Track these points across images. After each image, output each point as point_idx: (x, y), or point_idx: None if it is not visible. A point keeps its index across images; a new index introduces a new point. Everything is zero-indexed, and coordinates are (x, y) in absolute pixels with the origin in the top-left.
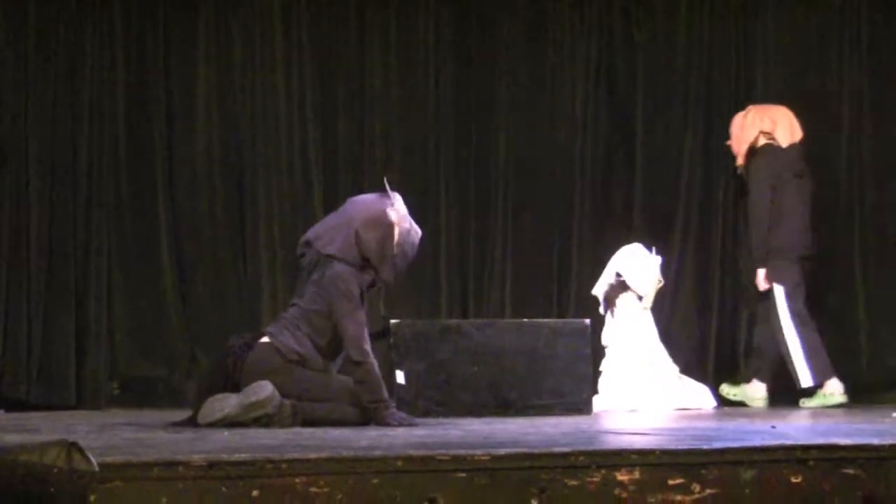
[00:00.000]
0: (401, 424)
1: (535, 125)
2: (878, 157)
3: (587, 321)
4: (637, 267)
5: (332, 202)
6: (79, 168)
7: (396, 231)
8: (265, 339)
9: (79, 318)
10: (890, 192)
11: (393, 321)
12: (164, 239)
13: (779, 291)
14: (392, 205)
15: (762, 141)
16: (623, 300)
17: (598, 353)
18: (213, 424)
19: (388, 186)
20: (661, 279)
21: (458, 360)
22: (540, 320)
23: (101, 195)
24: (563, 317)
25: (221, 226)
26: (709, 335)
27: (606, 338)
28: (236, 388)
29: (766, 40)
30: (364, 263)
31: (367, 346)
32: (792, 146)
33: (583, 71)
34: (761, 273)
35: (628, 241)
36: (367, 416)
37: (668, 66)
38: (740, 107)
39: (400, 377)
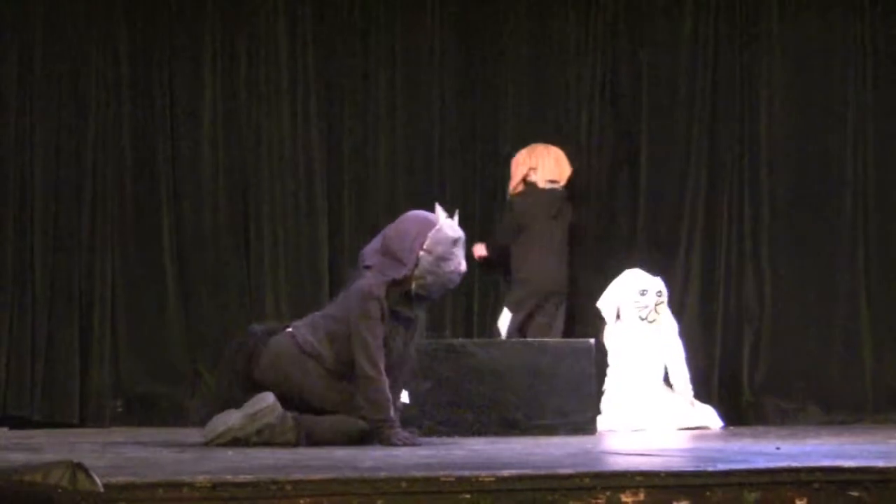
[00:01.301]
0: (405, 444)
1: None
2: (883, 169)
3: (591, 341)
4: (608, 291)
5: (336, 220)
6: (84, 186)
7: (430, 236)
8: (288, 330)
9: (82, 336)
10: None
11: None
12: (167, 257)
13: (504, 317)
14: (436, 220)
15: (531, 178)
16: (620, 321)
17: (602, 372)
18: (218, 439)
19: (439, 209)
20: (658, 299)
21: (463, 379)
22: (544, 340)
23: (104, 214)
24: (568, 336)
25: (225, 244)
26: (713, 354)
27: (612, 360)
28: (252, 373)
29: (771, 57)
30: (390, 262)
31: (381, 364)
32: (549, 189)
33: (587, 89)
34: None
35: (632, 259)
36: (370, 432)
37: (672, 83)
38: (745, 124)
39: (405, 396)
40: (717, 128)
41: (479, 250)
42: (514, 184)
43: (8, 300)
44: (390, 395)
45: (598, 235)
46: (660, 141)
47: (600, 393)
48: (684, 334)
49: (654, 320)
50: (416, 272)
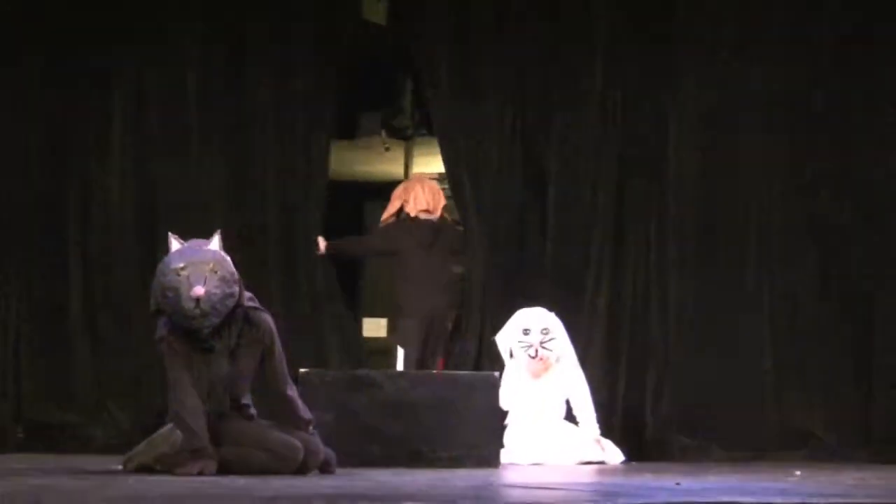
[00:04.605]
0: (186, 475)
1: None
2: (785, 209)
3: (496, 374)
4: (502, 330)
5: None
6: None
7: (158, 267)
8: None
9: None
10: None
11: (302, 370)
12: (73, 283)
13: (399, 355)
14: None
15: (405, 209)
16: (516, 360)
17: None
18: (128, 464)
19: (170, 237)
20: (544, 336)
21: (370, 410)
22: (450, 372)
23: (9, 239)
24: (480, 369)
25: (132, 272)
26: (617, 390)
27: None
28: None
29: (680, 96)
30: None
31: (181, 396)
32: (422, 219)
33: (497, 124)
34: None
35: (538, 295)
36: (281, 465)
37: (582, 121)
38: (653, 163)
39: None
40: (625, 166)
41: (321, 245)
42: (387, 215)
43: None
44: (191, 424)
45: (508, 272)
46: (567, 178)
47: (504, 427)
48: (589, 370)
49: (545, 357)
50: (160, 306)
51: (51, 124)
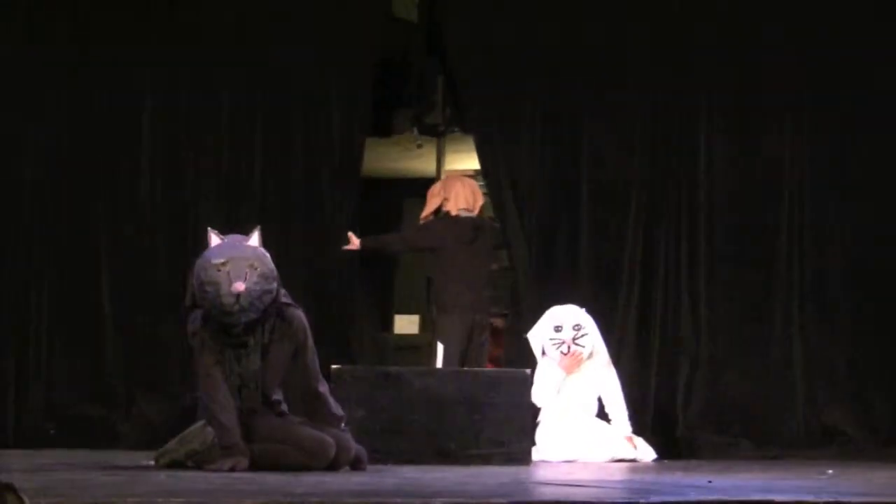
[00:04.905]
0: (218, 471)
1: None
2: (817, 209)
3: (527, 371)
4: (534, 328)
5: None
6: (21, 208)
7: (197, 262)
8: None
9: (18, 358)
10: None
11: (333, 366)
12: (103, 279)
13: (438, 351)
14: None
15: (444, 208)
16: (548, 357)
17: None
18: (160, 459)
19: (210, 233)
20: (576, 332)
21: (399, 407)
22: (480, 369)
23: (40, 235)
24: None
25: (161, 266)
26: (648, 387)
27: (537, 394)
28: None
29: (710, 97)
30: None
31: (214, 392)
32: (462, 217)
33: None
34: None
35: (570, 292)
36: (312, 462)
37: (616, 116)
38: (685, 161)
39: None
40: (657, 164)
41: (353, 241)
42: (426, 213)
43: None
44: (223, 420)
45: (542, 269)
46: (601, 176)
47: (535, 424)
48: (621, 368)
49: (577, 353)
50: (197, 301)
51: (80, 122)
